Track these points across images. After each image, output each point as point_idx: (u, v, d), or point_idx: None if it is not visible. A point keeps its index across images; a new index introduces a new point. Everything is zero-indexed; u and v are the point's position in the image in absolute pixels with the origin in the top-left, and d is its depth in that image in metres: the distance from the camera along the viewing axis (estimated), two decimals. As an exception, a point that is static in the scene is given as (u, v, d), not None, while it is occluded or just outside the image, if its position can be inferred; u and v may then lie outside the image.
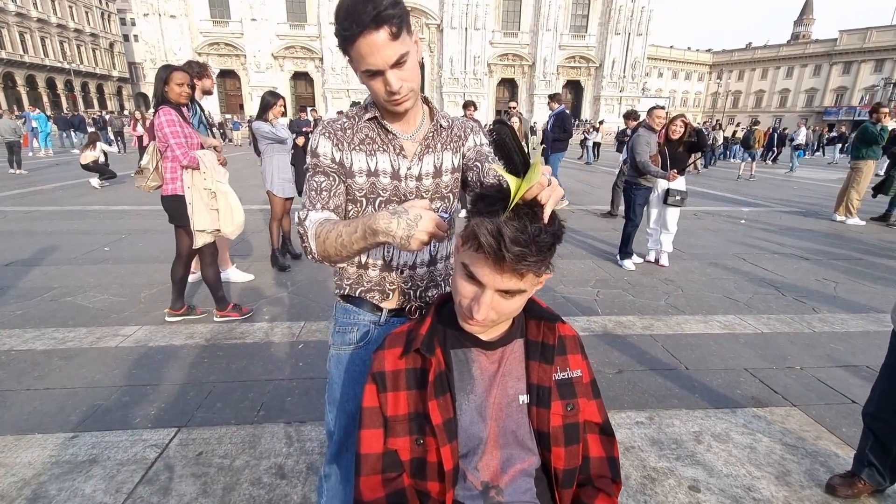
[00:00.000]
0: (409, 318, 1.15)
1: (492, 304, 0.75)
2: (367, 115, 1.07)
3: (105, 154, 10.23)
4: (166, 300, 3.65)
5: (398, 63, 0.92)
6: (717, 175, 14.81)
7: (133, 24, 49.95)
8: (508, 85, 45.05)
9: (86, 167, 9.81)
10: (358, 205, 1.10)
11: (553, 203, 0.69)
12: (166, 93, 2.90)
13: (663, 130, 4.73)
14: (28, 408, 2.28)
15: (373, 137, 1.08)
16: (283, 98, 4.30)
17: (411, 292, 1.16)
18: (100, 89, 54.34)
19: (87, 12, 52.11)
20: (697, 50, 67.16)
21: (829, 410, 2.43)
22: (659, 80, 63.34)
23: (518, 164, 0.71)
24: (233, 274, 4.16)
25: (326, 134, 1.06)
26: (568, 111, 7.98)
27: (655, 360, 2.92)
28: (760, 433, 2.22)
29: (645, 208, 4.95)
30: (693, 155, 4.80)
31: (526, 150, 0.72)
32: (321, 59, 40.98)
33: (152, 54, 39.21)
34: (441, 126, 1.13)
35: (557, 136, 7.88)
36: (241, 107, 41.95)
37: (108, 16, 56.14)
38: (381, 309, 1.16)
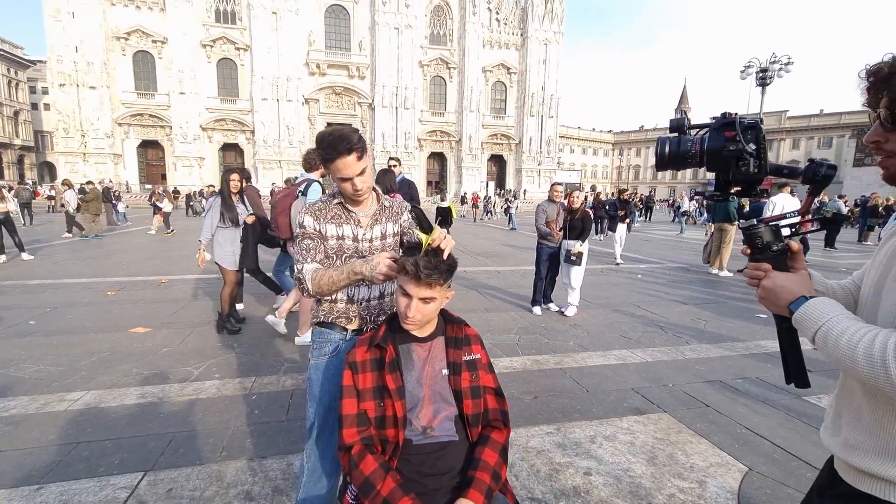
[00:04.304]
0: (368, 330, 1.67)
1: (417, 307, 1.31)
2: (336, 201, 1.65)
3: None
4: (110, 367, 3.74)
5: (361, 173, 1.52)
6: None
7: (44, 92, 47.83)
8: (438, 158, 48.17)
9: None
10: (329, 259, 1.63)
11: (448, 248, 1.31)
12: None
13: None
14: (-18, 469, 2.34)
15: (339, 214, 1.65)
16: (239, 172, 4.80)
17: (367, 317, 1.68)
18: (-3, 157, 50.02)
19: (-9, 80, 49.19)
20: (601, 130, 76.87)
21: (689, 413, 3.14)
22: (571, 155, 71.02)
23: (426, 228, 1.33)
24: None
25: (309, 213, 1.62)
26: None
27: (564, 387, 3.54)
28: (638, 432, 2.86)
29: (555, 265, 5.86)
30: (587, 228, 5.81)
31: (429, 222, 1.35)
32: (252, 132, 41.49)
33: (66, 123, 37.49)
34: (384, 206, 1.74)
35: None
36: (164, 177, 40.62)
37: (17, 84, 53.30)
38: (346, 330, 1.67)
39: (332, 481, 1.65)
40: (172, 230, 15.10)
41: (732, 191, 1.03)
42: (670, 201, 32.61)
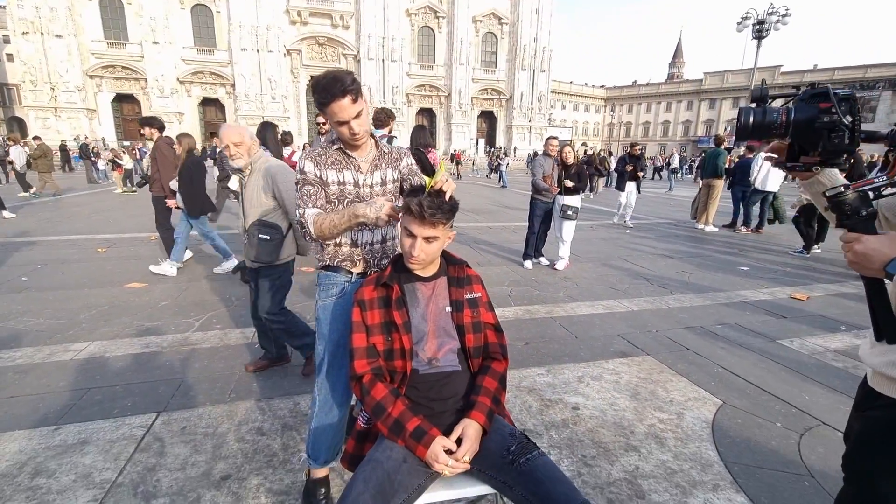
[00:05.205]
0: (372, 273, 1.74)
1: (421, 247, 1.38)
2: (335, 147, 1.67)
3: None
4: (110, 319, 3.80)
5: (357, 116, 1.54)
6: (612, 195, 16.92)
7: (6, 41, 44.79)
8: (427, 114, 46.95)
9: None
10: (331, 205, 1.67)
11: (450, 190, 1.35)
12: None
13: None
14: (-2, 413, 2.43)
15: (340, 160, 1.67)
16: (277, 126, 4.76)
17: (371, 261, 1.75)
18: (-39, 113, 47.41)
19: (-54, 27, 45.77)
20: (593, 86, 75.09)
21: (671, 355, 3.34)
22: (563, 112, 69.61)
23: (429, 171, 1.38)
24: None
25: (309, 158, 1.64)
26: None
27: (554, 334, 3.71)
28: (623, 373, 3.05)
29: (547, 220, 5.92)
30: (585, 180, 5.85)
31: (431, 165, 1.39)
32: (233, 86, 39.75)
33: (32, 75, 35.32)
34: (384, 152, 1.76)
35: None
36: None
37: (-25, 31, 49.73)
38: (351, 273, 1.74)
39: (342, 411, 1.77)
40: (135, 189, 14.03)
41: (816, 161, 1.03)
42: (653, 159, 33.08)
